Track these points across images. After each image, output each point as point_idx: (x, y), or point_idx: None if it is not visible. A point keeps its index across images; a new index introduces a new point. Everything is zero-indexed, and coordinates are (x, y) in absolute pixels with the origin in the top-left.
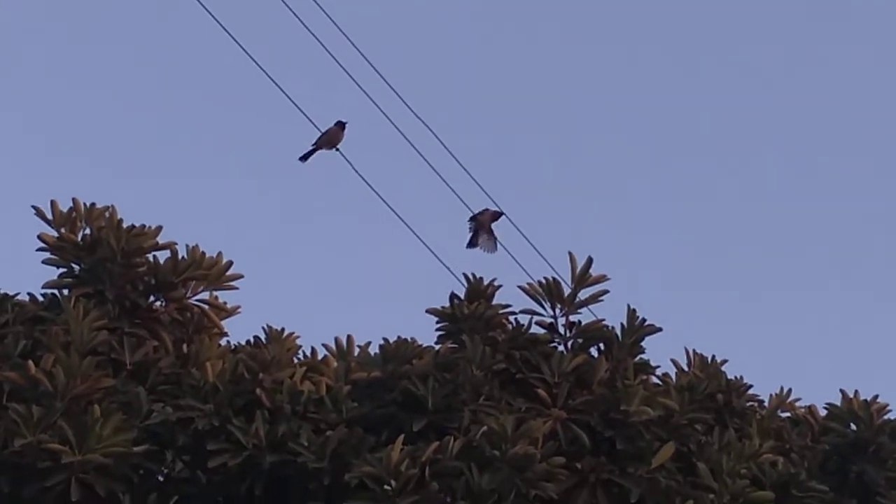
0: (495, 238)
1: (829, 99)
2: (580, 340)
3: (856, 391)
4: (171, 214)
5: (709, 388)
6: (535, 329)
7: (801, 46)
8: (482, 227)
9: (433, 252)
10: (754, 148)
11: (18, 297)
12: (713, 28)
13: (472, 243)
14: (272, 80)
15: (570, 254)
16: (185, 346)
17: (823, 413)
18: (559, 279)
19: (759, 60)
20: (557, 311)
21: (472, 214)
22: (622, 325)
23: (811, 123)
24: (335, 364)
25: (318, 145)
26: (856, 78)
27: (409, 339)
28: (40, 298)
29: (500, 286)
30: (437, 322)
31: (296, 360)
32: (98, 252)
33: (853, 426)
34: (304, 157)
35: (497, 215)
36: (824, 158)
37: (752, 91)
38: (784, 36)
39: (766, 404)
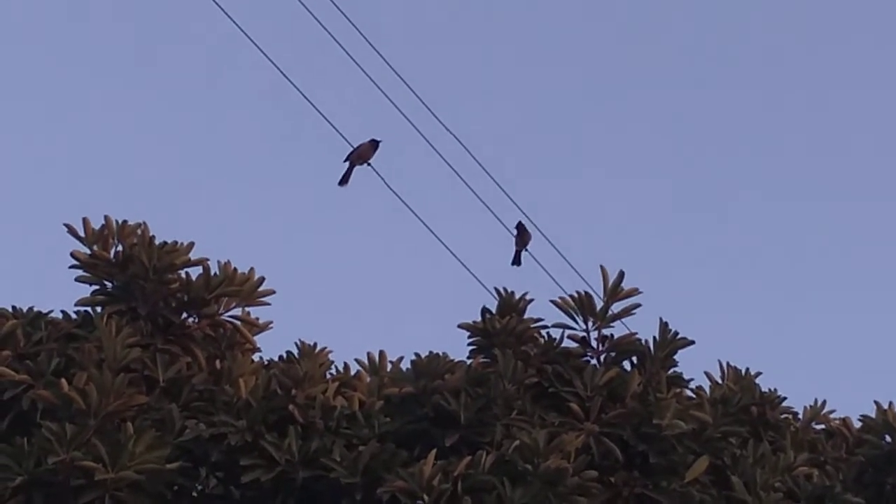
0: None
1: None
2: (612, 354)
3: (890, 402)
4: (203, 231)
5: (742, 401)
6: (567, 343)
7: None
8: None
9: (466, 266)
10: (787, 153)
11: (51, 315)
12: (732, 29)
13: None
14: (303, 94)
15: (601, 267)
16: (217, 363)
17: (858, 425)
18: (591, 293)
19: (768, 61)
20: (590, 324)
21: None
22: (655, 338)
23: (842, 125)
24: (367, 379)
25: (350, 162)
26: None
27: (440, 354)
28: (73, 316)
29: (531, 300)
30: (469, 336)
31: (328, 376)
32: (130, 269)
33: (888, 438)
34: (343, 181)
35: (527, 237)
36: (863, 163)
37: (780, 91)
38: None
39: (800, 416)
